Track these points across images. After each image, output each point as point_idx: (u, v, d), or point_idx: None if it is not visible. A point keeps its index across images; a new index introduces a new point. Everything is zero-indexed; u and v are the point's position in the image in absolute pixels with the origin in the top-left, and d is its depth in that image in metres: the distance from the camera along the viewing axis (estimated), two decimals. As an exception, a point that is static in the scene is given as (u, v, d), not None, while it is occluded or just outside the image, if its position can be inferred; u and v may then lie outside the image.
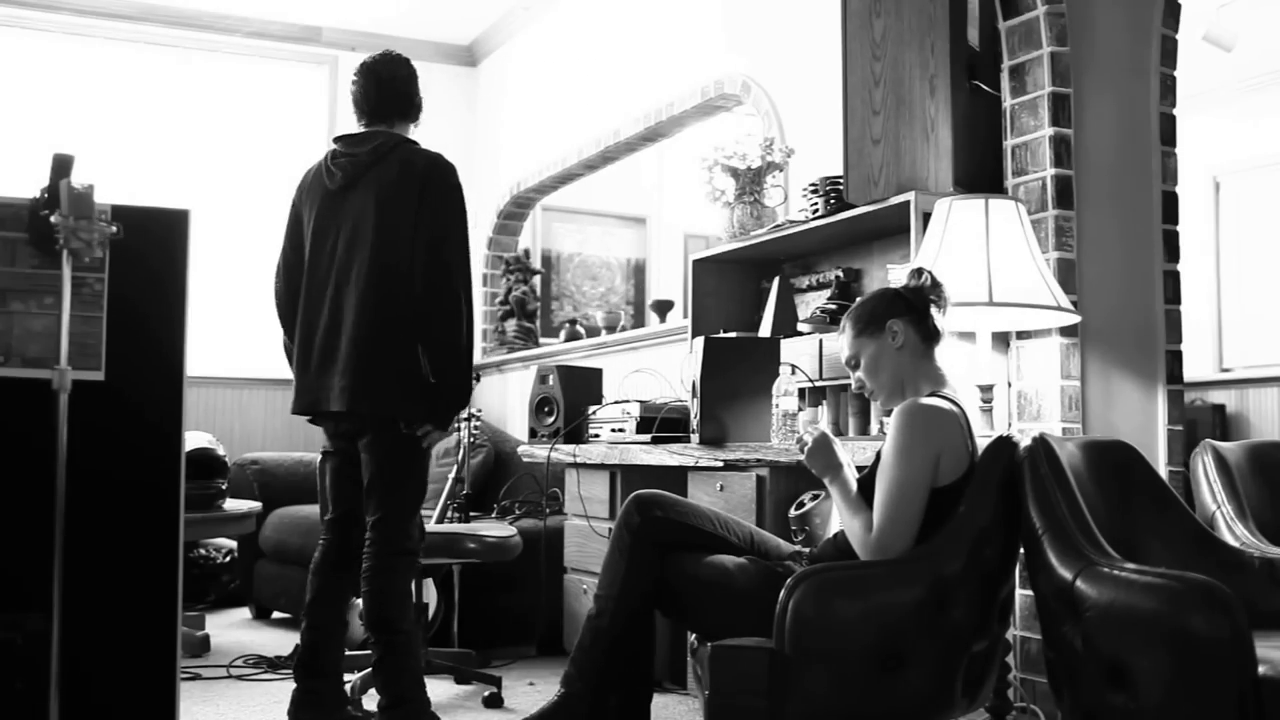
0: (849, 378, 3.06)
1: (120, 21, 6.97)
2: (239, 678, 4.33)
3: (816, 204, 4.11)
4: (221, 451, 4.85)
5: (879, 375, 2.91)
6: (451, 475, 4.73)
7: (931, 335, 2.91)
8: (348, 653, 4.30)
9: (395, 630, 3.41)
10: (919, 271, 2.96)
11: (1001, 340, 3.54)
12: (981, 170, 3.62)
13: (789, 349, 4.05)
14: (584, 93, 6.56)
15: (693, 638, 3.03)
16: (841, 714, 2.59)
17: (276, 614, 5.79)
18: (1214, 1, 5.88)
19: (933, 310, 2.91)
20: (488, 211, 7.51)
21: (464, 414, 4.80)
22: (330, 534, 3.59)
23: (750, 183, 4.48)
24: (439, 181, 3.42)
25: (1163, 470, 3.46)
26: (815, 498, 3.32)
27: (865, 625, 2.57)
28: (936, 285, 2.93)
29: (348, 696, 3.66)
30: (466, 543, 4.05)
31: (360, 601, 4.65)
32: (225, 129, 7.22)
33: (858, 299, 3.33)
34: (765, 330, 4.37)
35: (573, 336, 6.48)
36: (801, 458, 2.90)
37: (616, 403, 4.56)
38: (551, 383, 4.80)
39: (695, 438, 3.93)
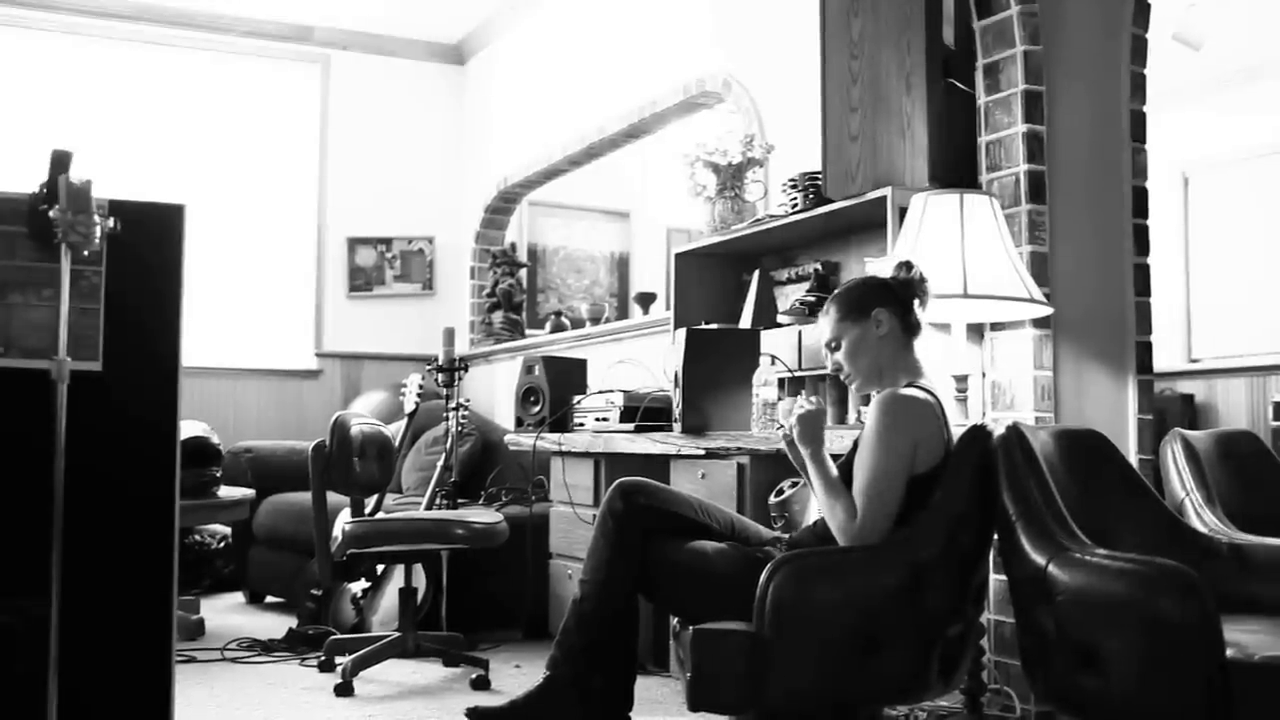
0: (827, 366, 3.09)
1: (117, 21, 7.02)
2: (233, 660, 4.37)
3: (795, 199, 4.16)
4: (216, 440, 4.86)
5: (858, 360, 2.95)
6: (440, 463, 4.78)
7: (912, 328, 2.96)
8: (339, 636, 4.37)
9: None
10: (908, 265, 2.99)
11: (976, 331, 3.59)
12: (956, 166, 3.66)
13: (769, 340, 4.10)
14: (569, 90, 6.60)
15: (675, 621, 3.05)
16: (820, 695, 2.65)
17: (270, 598, 5.83)
18: (1183, 1, 5.96)
19: (915, 304, 2.96)
20: (475, 206, 7.56)
21: (453, 403, 4.86)
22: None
23: (731, 178, 4.54)
24: None
25: (1133, 459, 3.51)
26: (794, 485, 3.37)
27: (843, 609, 2.61)
28: (923, 280, 2.97)
29: None
30: (454, 529, 4.07)
31: (355, 587, 4.70)
32: (220, 126, 7.26)
33: (845, 282, 3.34)
34: (745, 322, 4.42)
35: (558, 328, 6.54)
36: (782, 445, 2.94)
37: (601, 392, 4.61)
38: (537, 373, 4.86)
39: (677, 427, 3.99)
